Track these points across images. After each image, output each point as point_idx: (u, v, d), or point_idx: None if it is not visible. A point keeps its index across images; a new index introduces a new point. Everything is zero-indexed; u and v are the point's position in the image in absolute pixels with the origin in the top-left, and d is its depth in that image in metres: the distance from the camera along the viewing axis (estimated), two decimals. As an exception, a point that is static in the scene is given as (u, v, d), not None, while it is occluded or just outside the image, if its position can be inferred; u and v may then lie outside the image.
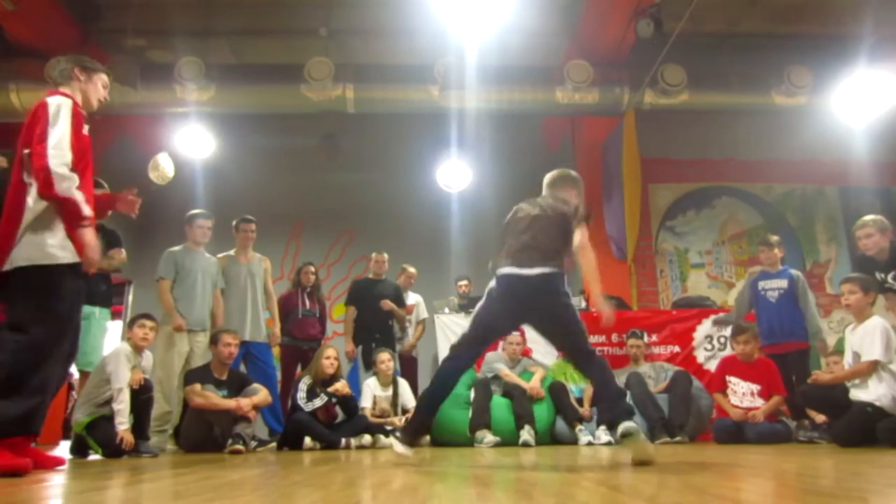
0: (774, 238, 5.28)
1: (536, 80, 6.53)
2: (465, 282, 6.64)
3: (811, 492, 1.71)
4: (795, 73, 6.28)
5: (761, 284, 5.10)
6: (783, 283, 5.01)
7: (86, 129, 2.72)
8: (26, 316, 2.44)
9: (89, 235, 2.54)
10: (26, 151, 2.53)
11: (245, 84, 6.45)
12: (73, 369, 5.27)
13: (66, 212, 2.51)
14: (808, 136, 6.97)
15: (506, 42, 6.31)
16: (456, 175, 7.44)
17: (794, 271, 5.13)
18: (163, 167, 6.96)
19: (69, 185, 2.49)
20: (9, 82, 6.08)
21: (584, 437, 4.56)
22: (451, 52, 6.01)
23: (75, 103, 2.67)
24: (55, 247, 2.50)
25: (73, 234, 2.54)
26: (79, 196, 2.52)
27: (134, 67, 6.12)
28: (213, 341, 4.57)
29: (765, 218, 7.54)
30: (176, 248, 4.98)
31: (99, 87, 2.89)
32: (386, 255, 6.05)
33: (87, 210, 2.54)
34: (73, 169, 2.54)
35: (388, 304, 5.74)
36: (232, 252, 5.37)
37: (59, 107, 2.57)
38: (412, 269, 6.38)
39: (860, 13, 6.21)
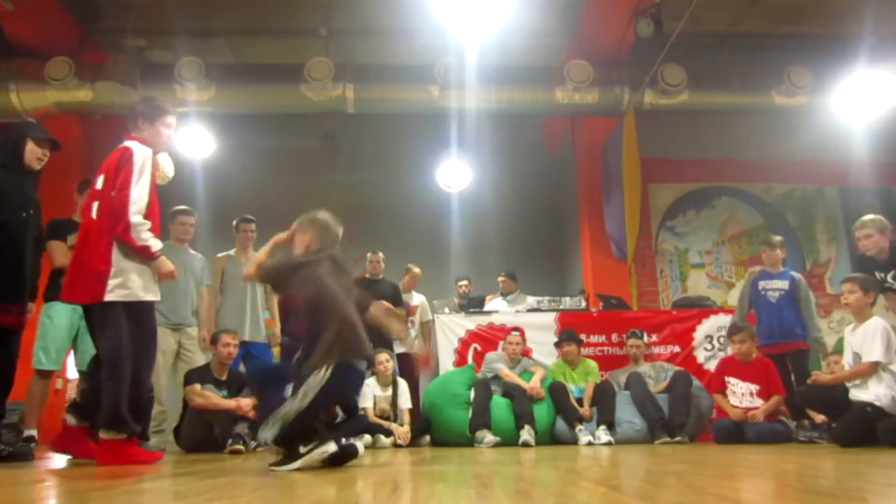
0: (777, 238, 5.26)
1: (536, 80, 6.52)
2: (465, 282, 6.64)
3: (811, 492, 1.71)
4: (795, 73, 6.28)
5: (762, 284, 5.09)
6: (784, 284, 5.01)
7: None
8: (126, 345, 2.87)
9: (162, 265, 3.02)
10: (113, 193, 2.90)
11: (245, 84, 6.44)
12: (72, 369, 5.29)
13: (139, 253, 2.93)
14: (808, 136, 6.96)
15: (506, 42, 6.30)
16: (456, 175, 7.44)
17: (795, 273, 5.12)
18: (163, 167, 6.95)
19: (142, 232, 2.89)
20: (9, 82, 6.08)
21: (584, 437, 4.55)
22: (451, 52, 6.00)
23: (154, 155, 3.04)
24: (142, 287, 2.94)
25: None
26: (149, 239, 2.93)
27: (134, 67, 6.11)
28: (213, 341, 4.57)
29: (765, 218, 7.54)
30: None
31: (162, 132, 3.15)
32: (381, 255, 6.00)
33: (155, 246, 2.95)
34: (147, 216, 2.95)
35: (384, 304, 5.71)
36: (232, 252, 5.36)
37: (146, 161, 2.95)
38: (416, 270, 6.36)
39: (860, 13, 6.20)
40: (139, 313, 2.96)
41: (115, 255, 2.89)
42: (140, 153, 2.96)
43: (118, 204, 2.87)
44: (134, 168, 2.90)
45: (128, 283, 2.90)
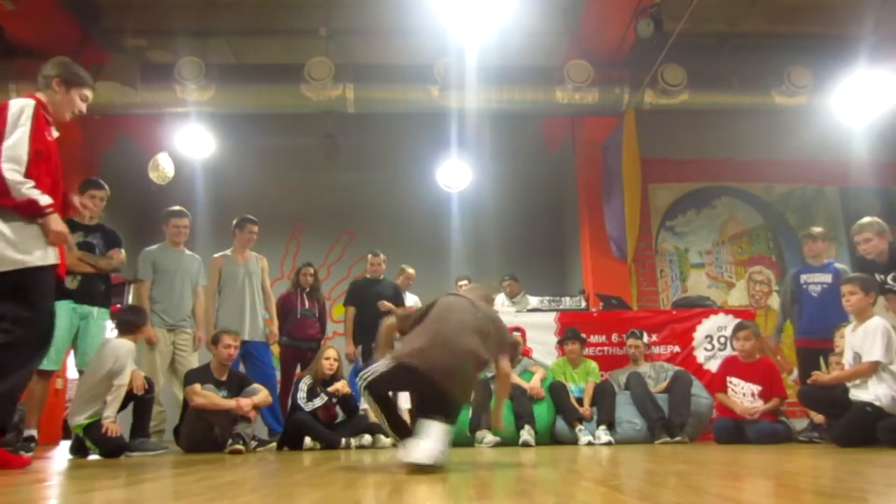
0: (817, 230, 5.13)
1: (536, 80, 6.52)
2: (465, 282, 6.62)
3: (811, 492, 1.71)
4: (795, 73, 6.27)
5: (803, 278, 5.01)
6: (827, 278, 4.89)
7: (54, 134, 2.81)
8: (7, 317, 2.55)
9: (53, 222, 2.65)
10: None
11: (245, 84, 6.44)
12: (73, 369, 5.29)
13: (26, 211, 2.61)
14: (808, 136, 6.96)
15: (506, 42, 6.31)
16: (456, 175, 7.44)
17: (840, 265, 5.01)
18: (163, 167, 6.96)
19: (22, 188, 2.57)
20: (9, 82, 6.07)
21: (584, 437, 4.55)
22: (451, 52, 6.00)
23: (40, 105, 2.71)
24: (23, 250, 2.60)
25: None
26: (34, 194, 2.60)
27: (134, 67, 6.11)
28: (214, 342, 4.57)
29: (765, 218, 7.54)
30: (152, 248, 4.97)
31: (75, 101, 2.91)
32: (382, 257, 6.00)
33: (44, 200, 2.63)
34: (31, 172, 2.62)
35: (385, 304, 5.72)
36: (229, 252, 5.36)
37: (22, 110, 2.64)
38: (411, 270, 6.36)
39: (860, 13, 6.20)
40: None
41: None
42: (16, 105, 2.65)
43: None
44: (7, 122, 2.59)
45: None
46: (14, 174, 2.56)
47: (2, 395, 2.56)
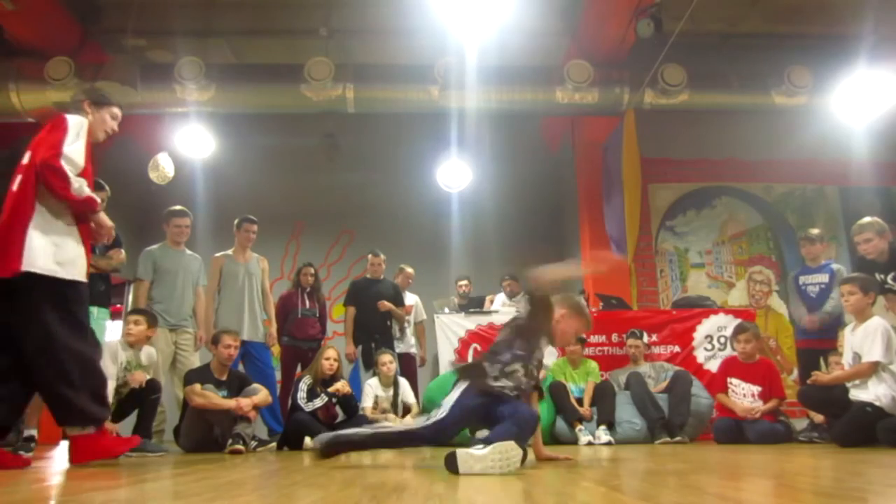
0: (815, 232, 5.17)
1: (536, 80, 6.52)
2: (465, 282, 6.64)
3: (811, 492, 1.71)
4: (795, 73, 6.27)
5: (802, 280, 5.04)
6: (824, 279, 4.92)
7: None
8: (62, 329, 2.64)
9: (104, 217, 2.89)
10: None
11: (245, 84, 6.44)
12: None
13: (85, 207, 2.78)
14: (808, 136, 6.96)
15: (506, 42, 6.31)
16: (456, 175, 7.44)
17: (836, 266, 5.04)
18: (163, 167, 6.96)
19: (83, 186, 2.73)
20: (9, 82, 6.07)
21: (584, 437, 4.56)
22: (451, 52, 6.00)
23: (90, 129, 2.90)
24: (69, 262, 2.72)
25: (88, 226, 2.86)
26: (89, 192, 2.77)
27: (134, 67, 6.12)
28: (214, 342, 4.57)
29: (765, 218, 7.54)
30: (153, 247, 4.97)
31: (107, 120, 3.05)
32: (382, 257, 6.00)
33: (98, 198, 2.85)
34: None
35: (385, 304, 5.73)
36: (230, 251, 5.36)
37: (81, 126, 2.82)
38: (409, 270, 6.37)
39: (860, 13, 6.20)
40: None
41: (35, 223, 2.64)
42: (75, 119, 2.81)
43: (50, 160, 2.63)
44: (68, 132, 2.73)
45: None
46: (72, 175, 2.71)
47: (69, 395, 2.71)
